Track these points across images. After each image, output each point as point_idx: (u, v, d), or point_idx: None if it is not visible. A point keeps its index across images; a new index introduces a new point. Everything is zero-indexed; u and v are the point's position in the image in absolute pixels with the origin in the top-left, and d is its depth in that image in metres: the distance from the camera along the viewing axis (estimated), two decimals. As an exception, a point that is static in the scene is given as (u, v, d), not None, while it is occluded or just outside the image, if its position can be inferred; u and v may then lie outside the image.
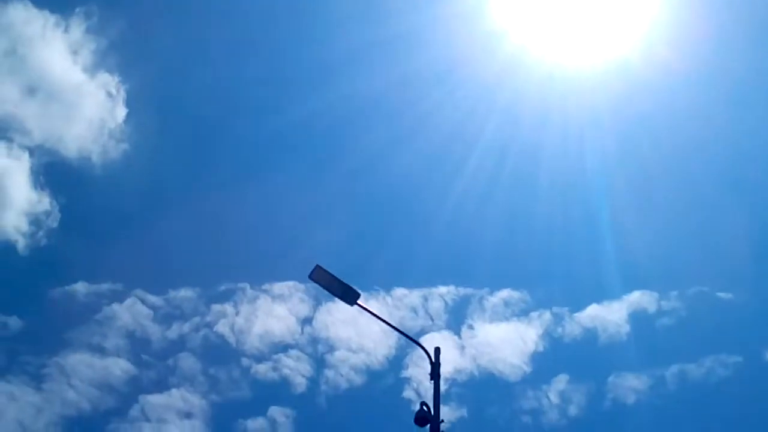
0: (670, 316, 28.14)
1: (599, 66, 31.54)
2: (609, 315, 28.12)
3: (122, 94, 30.86)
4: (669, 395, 26.92)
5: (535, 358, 27.92)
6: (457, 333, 28.62)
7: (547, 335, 28.34)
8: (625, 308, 28.20)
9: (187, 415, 26.90)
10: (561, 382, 27.29)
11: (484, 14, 31.79)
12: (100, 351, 27.88)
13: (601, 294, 28.99)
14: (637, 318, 28.07)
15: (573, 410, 26.82)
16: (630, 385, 26.88)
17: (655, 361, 27.70)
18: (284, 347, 28.64)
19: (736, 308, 28.39)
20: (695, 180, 31.23)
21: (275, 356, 28.36)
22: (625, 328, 27.98)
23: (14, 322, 27.95)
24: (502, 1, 32.38)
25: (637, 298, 28.23)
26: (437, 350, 13.51)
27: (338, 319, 28.77)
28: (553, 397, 27.01)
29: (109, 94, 30.79)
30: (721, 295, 28.40)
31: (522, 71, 31.60)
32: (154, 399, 27.25)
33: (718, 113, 31.15)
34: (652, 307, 28.06)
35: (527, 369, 27.63)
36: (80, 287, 28.86)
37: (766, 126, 30.91)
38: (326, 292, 13.66)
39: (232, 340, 29.02)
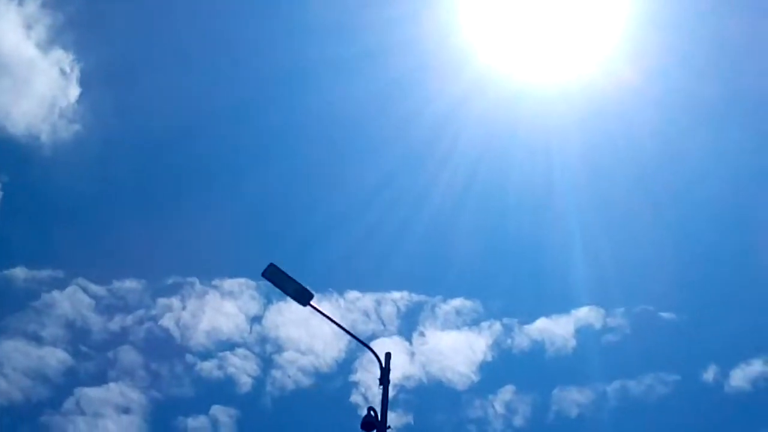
0: (615, 332, 28.59)
1: (565, 85, 32.07)
2: (557, 329, 28.43)
3: (76, 72, 30.04)
4: (610, 410, 27.34)
5: (484, 367, 28.06)
6: (408, 339, 28.59)
7: (496, 345, 28.51)
8: (572, 323, 28.56)
9: (125, 410, 26.26)
10: (507, 392, 27.47)
11: (452, 33, 31.90)
12: (37, 339, 27.07)
13: (551, 308, 29.31)
14: (584, 333, 28.46)
15: (518, 421, 27.01)
16: (573, 398, 27.19)
17: (599, 375, 28.15)
18: (231, 345, 28.19)
19: (677, 328, 29.03)
20: (650, 201, 31.80)
21: (221, 354, 27.91)
22: (572, 343, 28.31)
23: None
24: (469, 21, 32.58)
25: (584, 313, 28.61)
26: (388, 356, 13.36)
27: (289, 319, 28.42)
28: (499, 408, 27.16)
29: (63, 72, 29.95)
30: (664, 314, 28.96)
31: (490, 89, 31.87)
32: (91, 392, 26.57)
33: (679, 133, 31.87)
34: (598, 323, 28.48)
35: (475, 378, 27.75)
36: (19, 272, 28.05)
37: (725, 147, 31.67)
38: (278, 291, 13.37)
39: (177, 335, 28.44)
